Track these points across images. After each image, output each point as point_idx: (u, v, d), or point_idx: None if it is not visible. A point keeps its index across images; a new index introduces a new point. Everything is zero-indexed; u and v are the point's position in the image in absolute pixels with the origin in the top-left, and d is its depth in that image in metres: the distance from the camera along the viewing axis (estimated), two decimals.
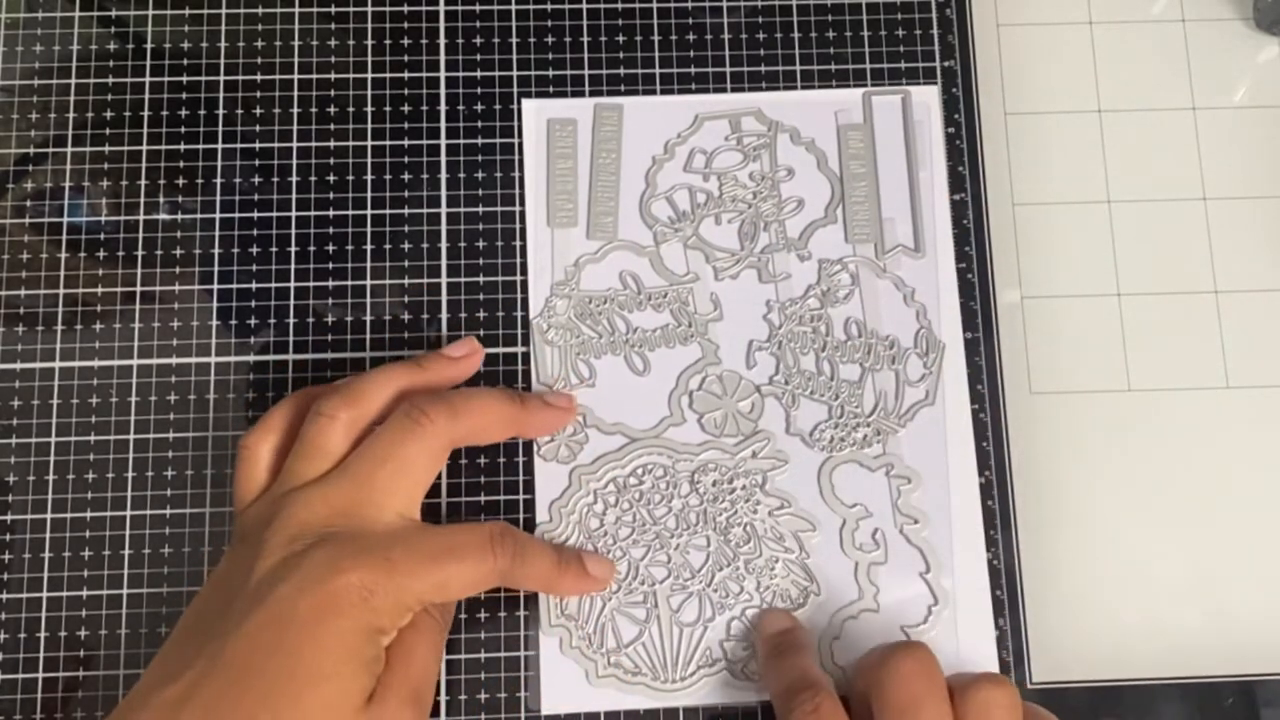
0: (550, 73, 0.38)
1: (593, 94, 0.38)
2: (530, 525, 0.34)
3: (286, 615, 0.27)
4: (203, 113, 0.37)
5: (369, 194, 0.37)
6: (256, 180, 0.37)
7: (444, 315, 0.36)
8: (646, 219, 0.37)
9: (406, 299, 0.36)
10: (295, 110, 0.37)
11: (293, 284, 0.36)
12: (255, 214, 0.36)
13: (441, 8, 0.38)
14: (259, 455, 0.31)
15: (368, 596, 0.27)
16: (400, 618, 0.29)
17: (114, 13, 0.38)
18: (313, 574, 0.27)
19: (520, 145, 0.37)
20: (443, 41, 0.38)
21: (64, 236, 0.36)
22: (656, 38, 0.38)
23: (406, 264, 0.36)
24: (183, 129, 0.37)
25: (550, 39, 0.38)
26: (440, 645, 0.30)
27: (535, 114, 0.37)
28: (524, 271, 0.36)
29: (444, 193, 0.37)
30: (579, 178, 0.37)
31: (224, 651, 0.26)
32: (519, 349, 0.36)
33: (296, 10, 0.38)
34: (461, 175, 0.37)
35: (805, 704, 0.29)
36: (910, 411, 0.35)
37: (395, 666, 0.29)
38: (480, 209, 0.37)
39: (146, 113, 0.37)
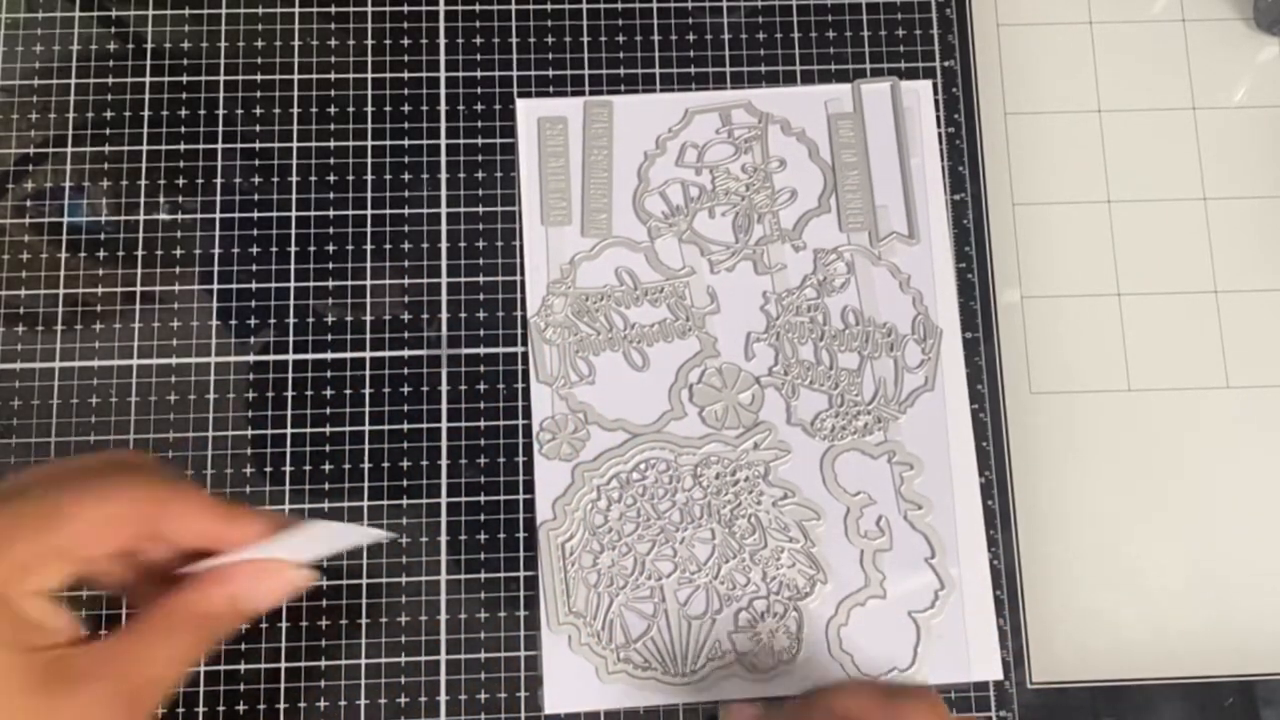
0: (550, 73, 0.38)
1: (592, 94, 0.38)
2: (531, 523, 0.34)
3: None
4: (203, 113, 0.37)
5: (369, 194, 0.37)
6: (256, 180, 0.37)
7: (444, 315, 0.36)
8: (640, 214, 0.37)
9: (406, 299, 0.36)
10: (295, 110, 0.37)
11: (293, 284, 0.36)
12: (255, 214, 0.36)
13: (441, 8, 0.38)
14: None
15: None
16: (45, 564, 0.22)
17: (114, 13, 0.38)
18: None
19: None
20: (442, 42, 0.38)
21: (64, 236, 0.36)
22: (656, 38, 0.38)
23: (406, 264, 0.36)
24: (183, 129, 0.37)
25: (550, 39, 0.38)
26: (186, 655, 0.23)
27: (526, 113, 0.37)
28: (524, 271, 0.36)
29: (444, 193, 0.37)
30: (571, 176, 0.37)
31: None
32: (519, 349, 0.36)
33: (296, 10, 0.38)
34: (461, 175, 0.37)
35: None
36: (910, 398, 0.35)
37: (113, 655, 0.22)
38: (480, 209, 0.37)
39: (146, 113, 0.37)
